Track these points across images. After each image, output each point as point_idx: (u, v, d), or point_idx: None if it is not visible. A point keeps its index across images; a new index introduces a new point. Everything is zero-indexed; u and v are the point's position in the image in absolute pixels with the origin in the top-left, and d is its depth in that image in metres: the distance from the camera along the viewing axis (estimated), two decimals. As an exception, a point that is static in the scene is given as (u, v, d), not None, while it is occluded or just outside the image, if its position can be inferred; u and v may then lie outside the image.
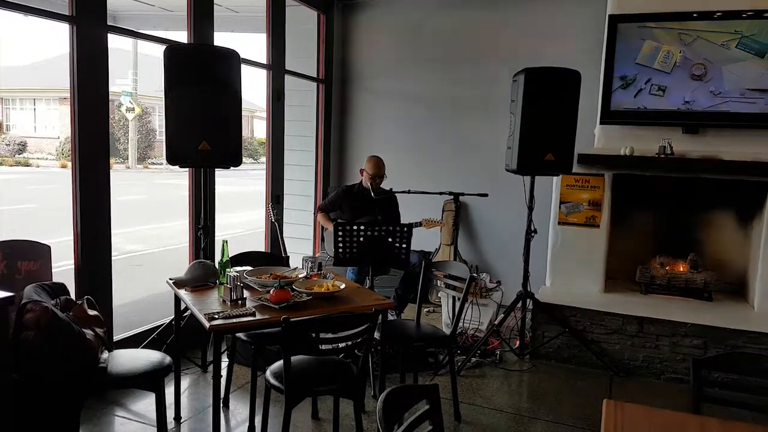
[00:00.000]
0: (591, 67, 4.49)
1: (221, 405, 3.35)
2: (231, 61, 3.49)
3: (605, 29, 4.38)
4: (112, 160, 22.24)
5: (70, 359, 2.30)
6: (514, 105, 3.92)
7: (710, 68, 4.15)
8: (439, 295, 5.10)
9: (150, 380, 2.58)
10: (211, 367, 3.87)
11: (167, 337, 3.76)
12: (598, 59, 4.54)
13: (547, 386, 3.81)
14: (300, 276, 3.01)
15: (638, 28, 4.25)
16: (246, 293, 2.74)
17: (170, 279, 3.03)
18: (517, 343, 4.35)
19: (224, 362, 3.95)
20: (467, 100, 5.43)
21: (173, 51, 3.42)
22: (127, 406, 3.31)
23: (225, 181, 18.35)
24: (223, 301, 2.70)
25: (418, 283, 4.95)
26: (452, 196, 4.28)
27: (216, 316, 2.45)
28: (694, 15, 4.09)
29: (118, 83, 19.69)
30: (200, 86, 3.39)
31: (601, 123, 4.44)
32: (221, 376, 2.52)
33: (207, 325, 2.39)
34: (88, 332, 2.45)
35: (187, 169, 4.05)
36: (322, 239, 4.74)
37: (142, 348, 3.64)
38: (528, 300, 4.23)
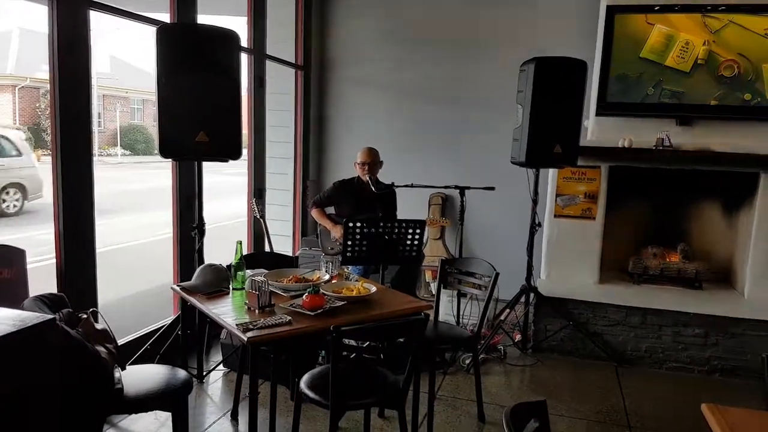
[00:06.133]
0: (583, 54, 4.38)
1: (230, 417, 3.13)
2: (230, 43, 3.20)
3: (600, 15, 4.30)
4: (39, 152, 20.78)
5: (86, 382, 2.01)
6: (522, 95, 3.81)
7: (746, 67, 3.55)
8: (434, 291, 4.97)
9: (171, 400, 2.32)
10: (206, 378, 3.60)
11: (160, 347, 3.46)
12: (591, 45, 4.47)
13: (558, 380, 3.77)
14: (324, 278, 2.80)
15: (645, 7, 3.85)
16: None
17: (179, 285, 2.75)
18: (517, 337, 4.29)
19: (220, 370, 3.72)
20: (455, 89, 5.29)
21: (166, 32, 3.11)
22: (122, 426, 3.00)
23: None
24: (249, 308, 2.46)
25: (412, 277, 4.82)
26: (457, 190, 4.12)
27: (251, 327, 2.21)
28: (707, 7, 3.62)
29: (45, 69, 18.38)
30: (197, 71, 3.09)
31: (597, 115, 4.40)
32: (258, 393, 2.27)
33: (244, 338, 2.15)
34: (101, 350, 2.16)
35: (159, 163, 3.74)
36: (316, 236, 4.51)
37: (134, 360, 3.34)
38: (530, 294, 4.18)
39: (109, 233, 9.24)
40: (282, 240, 5.52)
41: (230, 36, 3.19)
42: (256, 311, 2.40)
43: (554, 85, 3.73)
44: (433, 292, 5.12)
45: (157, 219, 10.59)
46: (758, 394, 3.61)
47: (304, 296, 2.44)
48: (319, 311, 2.39)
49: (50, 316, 1.52)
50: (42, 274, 3.63)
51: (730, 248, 4.51)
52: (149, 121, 26.93)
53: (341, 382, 2.32)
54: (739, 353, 3.82)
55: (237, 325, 2.24)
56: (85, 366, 2.01)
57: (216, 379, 3.63)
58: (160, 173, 18.11)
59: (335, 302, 2.51)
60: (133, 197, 13.25)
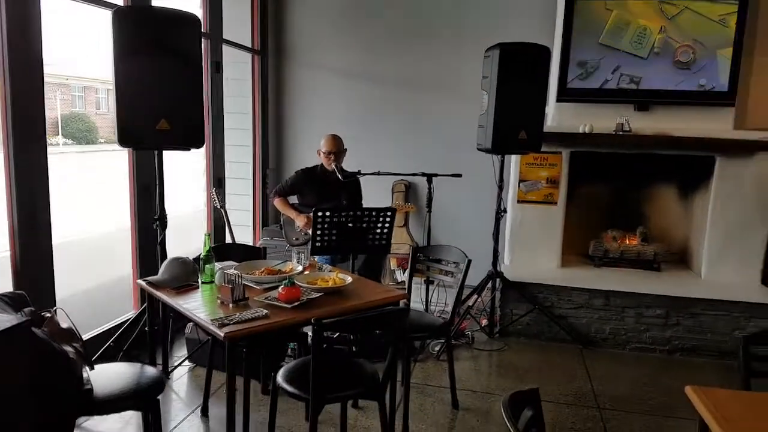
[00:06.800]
0: (542, 40, 4.39)
1: (200, 413, 3.04)
2: (191, 27, 3.07)
3: (560, 0, 4.33)
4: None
5: (55, 385, 1.90)
6: (487, 81, 3.81)
7: (701, 53, 3.66)
8: (399, 279, 4.97)
9: (144, 400, 2.22)
10: (171, 374, 3.48)
11: (122, 343, 3.32)
12: (550, 31, 4.51)
13: (525, 364, 3.82)
14: (297, 269, 2.73)
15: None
16: (244, 292, 2.43)
17: (145, 280, 2.63)
18: (484, 321, 4.33)
19: (185, 366, 3.61)
20: (416, 75, 5.24)
21: (123, 15, 2.95)
22: (86, 427, 2.87)
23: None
24: (222, 302, 2.37)
25: (378, 265, 4.79)
26: (424, 177, 4.09)
27: (227, 322, 2.14)
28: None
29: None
30: (156, 56, 2.95)
31: (557, 101, 4.45)
32: (236, 389, 2.20)
33: (220, 333, 2.07)
34: (68, 350, 2.04)
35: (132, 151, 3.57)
36: (280, 226, 4.41)
37: (96, 358, 3.20)
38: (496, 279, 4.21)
39: (55, 226, 8.80)
40: (242, 230, 5.39)
41: (190, 19, 3.06)
42: (230, 305, 2.33)
43: (519, 71, 3.74)
44: (398, 280, 5.11)
45: (104, 210, 10.21)
46: (720, 372, 3.78)
47: (279, 288, 2.37)
48: (295, 303, 2.33)
49: (25, 319, 1.42)
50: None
51: (686, 231, 4.67)
52: (91, 109, 25.90)
53: (320, 375, 2.28)
54: (699, 332, 3.96)
55: (212, 320, 2.16)
56: (53, 368, 1.89)
57: (181, 375, 3.51)
58: (106, 162, 17.46)
59: (311, 294, 2.45)
60: (78, 188, 12.73)
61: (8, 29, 2.71)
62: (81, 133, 24.17)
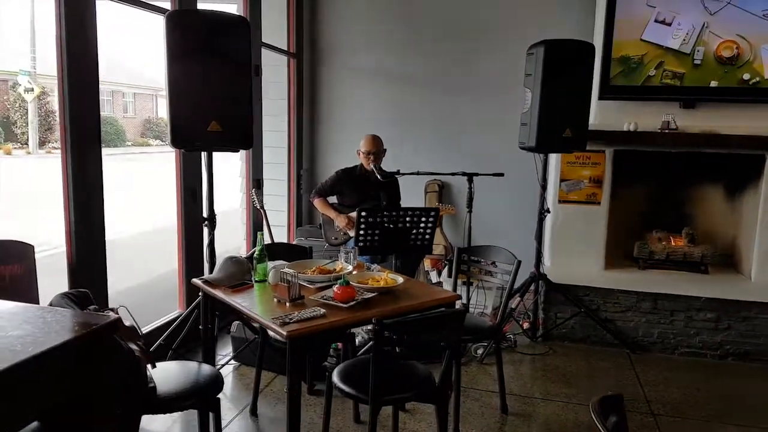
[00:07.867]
0: (581, 37, 4.27)
1: (249, 413, 3.05)
2: (241, 30, 3.11)
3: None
4: (9, 146, 20.16)
5: (123, 383, 1.91)
6: (531, 79, 3.76)
7: (746, 49, 3.62)
8: (434, 280, 4.94)
9: (204, 399, 2.23)
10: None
11: (171, 341, 3.36)
12: (587, 28, 4.44)
13: (573, 368, 3.75)
14: (347, 269, 2.72)
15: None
16: (298, 292, 2.43)
17: (201, 279, 2.65)
18: (526, 325, 4.27)
19: (232, 364, 3.63)
20: (447, 75, 5.20)
21: (175, 19, 2.99)
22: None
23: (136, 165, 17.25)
24: (278, 301, 2.37)
25: (413, 266, 4.76)
26: (465, 176, 4.03)
27: (287, 321, 2.13)
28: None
29: (10, 60, 17.87)
30: (207, 59, 2.99)
31: (599, 99, 4.38)
32: (295, 389, 2.20)
33: (283, 332, 2.07)
34: (134, 348, 2.06)
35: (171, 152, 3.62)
36: (319, 225, 4.42)
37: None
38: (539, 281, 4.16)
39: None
40: (277, 230, 5.39)
41: (241, 23, 3.10)
42: (287, 304, 2.33)
43: (563, 68, 3.69)
44: (433, 281, 5.08)
45: (139, 211, 10.36)
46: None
47: (334, 288, 2.37)
48: (351, 303, 2.32)
49: (114, 317, 1.43)
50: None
51: (734, 231, 4.54)
52: (119, 113, 26.39)
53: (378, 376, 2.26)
54: (751, 337, 3.85)
55: (273, 319, 2.16)
56: (122, 366, 1.91)
57: (227, 374, 3.53)
58: (134, 165, 17.73)
59: (365, 294, 2.44)
60: (111, 190, 12.93)
61: (66, 39, 2.77)
62: (110, 136, 24.63)
